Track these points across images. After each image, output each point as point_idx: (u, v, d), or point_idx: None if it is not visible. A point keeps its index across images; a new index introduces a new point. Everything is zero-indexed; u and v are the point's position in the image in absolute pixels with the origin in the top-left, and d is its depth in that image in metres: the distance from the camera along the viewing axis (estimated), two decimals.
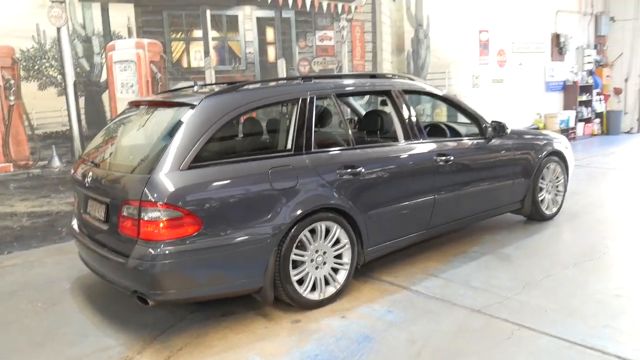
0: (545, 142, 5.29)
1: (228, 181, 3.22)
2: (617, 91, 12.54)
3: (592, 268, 4.11)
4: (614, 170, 8.08)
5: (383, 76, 4.49)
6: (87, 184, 3.56)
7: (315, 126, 3.70)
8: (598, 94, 12.23)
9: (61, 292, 4.14)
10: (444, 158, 4.28)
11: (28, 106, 5.35)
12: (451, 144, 4.49)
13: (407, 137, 4.18)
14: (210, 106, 3.33)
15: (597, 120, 12.32)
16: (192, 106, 3.30)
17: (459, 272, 4.14)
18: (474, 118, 4.79)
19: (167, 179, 3.03)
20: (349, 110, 5.60)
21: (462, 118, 5.36)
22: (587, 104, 11.92)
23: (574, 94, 11.57)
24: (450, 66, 9.26)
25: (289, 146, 3.57)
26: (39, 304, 3.94)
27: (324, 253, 3.63)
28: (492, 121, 4.83)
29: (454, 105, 4.76)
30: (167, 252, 3.01)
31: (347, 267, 3.74)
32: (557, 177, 5.48)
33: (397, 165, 4.03)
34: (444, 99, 4.73)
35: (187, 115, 3.25)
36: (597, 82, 12.19)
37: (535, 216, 5.33)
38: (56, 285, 4.29)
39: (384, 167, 3.94)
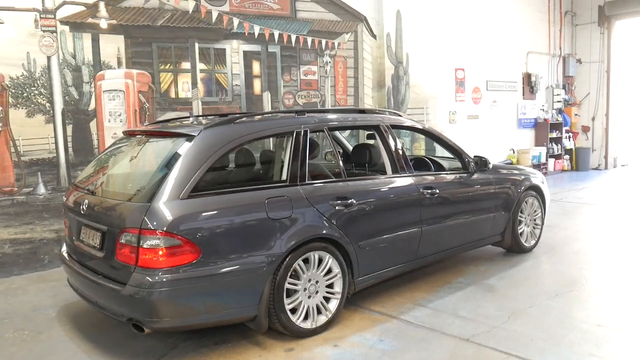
0: (523, 177, 5.51)
1: (226, 210, 3.29)
2: (585, 129, 13.09)
3: (574, 298, 4.27)
4: (586, 204, 8.39)
5: (372, 111, 4.66)
6: (81, 211, 3.58)
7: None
8: (567, 131, 12.75)
9: (48, 320, 4.08)
10: (430, 191, 4.43)
11: (15, 133, 5.34)
12: (436, 177, 4.66)
13: (395, 170, 4.33)
14: (209, 137, 3.42)
15: (567, 156, 12.79)
16: (191, 137, 3.39)
17: (446, 302, 4.24)
18: (458, 153, 4.98)
19: (167, 207, 3.09)
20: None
21: (441, 152, 5.58)
22: (557, 140, 12.39)
23: (545, 130, 12.03)
24: (429, 102, 9.57)
25: (284, 177, 3.67)
26: (26, 332, 3.88)
27: (317, 282, 3.69)
28: (475, 156, 5.03)
29: (438, 140, 4.95)
30: (165, 279, 3.04)
31: (339, 296, 3.81)
32: (535, 211, 5.70)
33: (386, 197, 4.16)
34: (429, 135, 4.92)
35: (186, 146, 3.33)
36: (566, 120, 12.71)
37: (515, 248, 5.51)
38: (42, 313, 4.23)
39: (374, 199, 4.07)
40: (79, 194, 3.78)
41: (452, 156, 5.17)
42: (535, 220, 5.71)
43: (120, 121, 5.98)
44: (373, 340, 3.59)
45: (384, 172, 4.37)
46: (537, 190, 5.67)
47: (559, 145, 12.43)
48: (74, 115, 5.66)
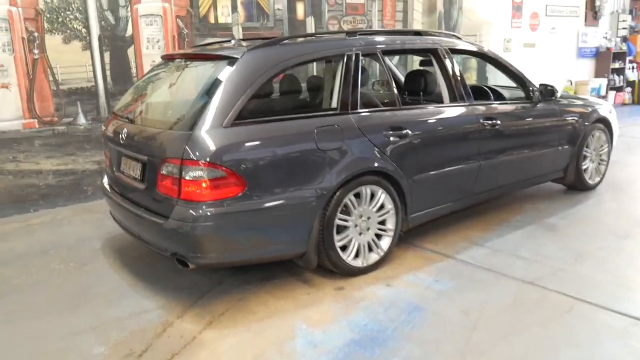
0: (591, 108, 5.02)
1: (273, 140, 3.04)
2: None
3: None
4: None
5: (427, 33, 4.22)
6: (120, 141, 3.39)
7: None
8: (630, 61, 11.78)
9: (93, 252, 4.03)
10: (490, 122, 4.05)
11: (52, 60, 5.15)
12: (498, 107, 4.26)
13: (453, 99, 3.96)
14: (253, 60, 3.11)
15: (629, 89, 11.89)
16: (234, 59, 3.09)
17: (505, 242, 3.96)
18: (521, 81, 4.53)
19: (210, 136, 2.85)
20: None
21: (499, 82, 5.13)
22: (620, 71, 11.49)
23: (607, 61, 11.14)
24: (482, 28, 8.89)
25: (334, 105, 3.36)
26: (71, 263, 3.83)
27: (368, 218, 3.46)
28: (540, 84, 4.57)
29: (501, 67, 4.49)
30: (209, 213, 2.85)
31: (391, 233, 3.58)
32: (602, 146, 5.24)
33: (444, 128, 3.82)
34: (491, 60, 4.46)
35: (229, 69, 3.04)
36: (631, 49, 11.71)
37: (577, 185, 5.11)
38: (87, 245, 4.18)
39: (431, 130, 3.74)
40: (118, 123, 3.59)
41: (513, 85, 4.73)
42: (601, 155, 5.26)
43: (159, 48, 5.71)
44: (428, 280, 3.37)
45: (440, 101, 4.00)
46: (605, 122, 5.18)
47: (621, 76, 11.52)
48: (111, 42, 5.42)
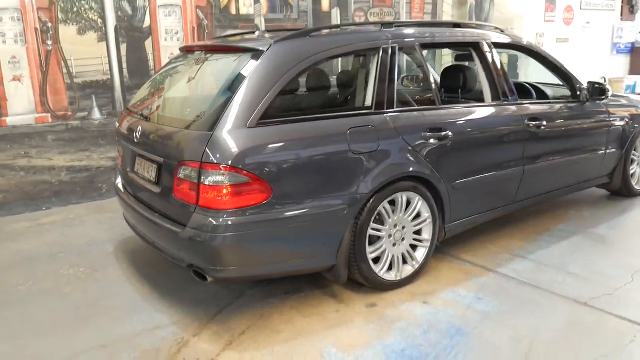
0: (638, 109, 4.64)
1: (302, 142, 2.73)
2: None
3: None
4: None
5: (468, 25, 3.87)
6: (135, 140, 3.12)
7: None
8: None
9: (104, 256, 3.78)
10: (535, 123, 3.71)
11: (66, 52, 4.91)
12: (543, 106, 3.91)
13: (496, 97, 3.62)
14: (280, 52, 2.81)
15: None
16: (259, 52, 2.79)
17: (550, 254, 3.62)
18: (568, 78, 4.17)
19: (232, 137, 2.56)
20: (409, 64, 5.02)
21: (536, 77, 4.77)
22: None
23: None
24: (514, 21, 8.47)
25: (367, 103, 3.04)
26: (81, 268, 3.58)
27: (403, 228, 3.15)
28: (589, 82, 4.20)
29: (546, 62, 4.13)
30: (230, 222, 2.56)
31: (427, 244, 3.26)
32: None
33: (486, 129, 3.49)
34: (537, 55, 4.10)
35: (253, 63, 2.75)
36: None
37: (623, 191, 4.74)
38: (98, 248, 3.93)
39: (473, 131, 3.41)
40: (132, 119, 3.32)
41: (554, 82, 4.38)
42: None
43: (177, 39, 5.44)
44: (469, 297, 3.05)
45: (480, 100, 3.66)
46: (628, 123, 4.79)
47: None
48: (128, 33, 5.16)
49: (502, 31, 3.92)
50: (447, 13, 7.63)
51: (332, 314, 2.92)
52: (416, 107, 3.23)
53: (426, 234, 3.26)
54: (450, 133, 3.23)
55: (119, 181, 3.65)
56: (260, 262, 2.74)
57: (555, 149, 3.94)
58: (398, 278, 3.15)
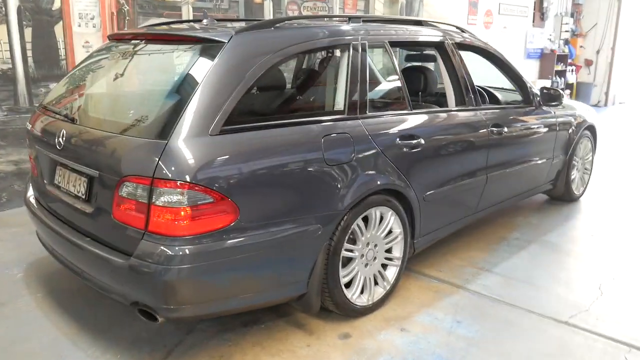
0: (581, 114, 4.69)
1: (273, 152, 2.32)
2: (588, 63, 12.32)
3: None
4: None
5: (428, 24, 3.62)
6: (56, 146, 2.53)
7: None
8: (570, 64, 11.95)
9: (12, 284, 3.12)
10: (497, 129, 3.56)
11: None
12: (503, 112, 3.76)
13: (462, 102, 3.41)
14: (244, 45, 2.37)
15: (567, 91, 12.06)
16: (219, 44, 2.33)
17: (514, 266, 3.48)
18: (523, 83, 4.08)
19: (192, 147, 2.09)
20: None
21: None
22: (561, 74, 11.61)
23: (551, 62, 11.21)
24: None
25: (339, 106, 2.69)
26: None
27: (375, 246, 2.84)
28: (542, 88, 4.14)
29: (505, 67, 4.00)
30: (188, 251, 2.10)
31: (398, 262, 2.98)
32: (587, 154, 4.94)
33: (457, 136, 3.27)
34: (496, 59, 3.95)
35: (213, 57, 2.28)
36: (572, 52, 11.89)
37: (565, 197, 4.78)
38: (4, 273, 3.25)
39: (444, 138, 3.17)
40: (50, 119, 2.72)
41: (503, 87, 4.30)
42: (585, 164, 4.96)
43: (93, 26, 4.74)
44: (447, 321, 2.80)
45: (441, 104, 3.44)
46: (592, 130, 4.88)
47: (562, 79, 11.65)
48: (34, 16, 4.40)
49: (462, 31, 3.72)
50: (379, 11, 7.45)
51: (304, 349, 2.53)
52: (390, 112, 2.92)
53: (397, 252, 2.97)
54: (422, 141, 2.96)
55: (30, 194, 3.01)
56: (223, 297, 2.30)
57: (513, 156, 3.82)
58: (370, 302, 2.84)
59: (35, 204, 2.91)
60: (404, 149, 2.86)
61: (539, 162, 4.15)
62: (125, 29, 4.89)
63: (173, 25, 3.02)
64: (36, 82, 4.48)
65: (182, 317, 2.28)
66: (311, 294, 2.55)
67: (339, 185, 2.51)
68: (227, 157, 2.18)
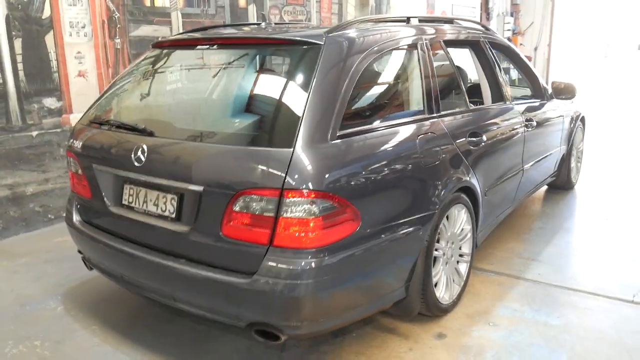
0: (575, 106, 4.94)
1: (382, 155, 2.27)
2: (528, 59, 12.98)
3: None
4: None
5: (459, 23, 3.66)
6: (134, 162, 2.31)
7: None
8: None
9: (56, 319, 2.83)
10: (529, 123, 3.68)
11: None
12: (529, 106, 3.89)
13: (499, 98, 3.49)
14: (340, 47, 2.29)
15: None
16: (316, 46, 2.24)
17: (553, 253, 3.61)
18: (535, 78, 4.25)
19: (318, 154, 2.00)
20: None
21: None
22: (506, 70, 12.17)
23: None
24: None
25: (419, 106, 2.67)
26: (36, 342, 2.62)
27: (452, 244, 2.84)
28: (554, 82, 4.32)
29: (521, 63, 4.15)
30: (318, 264, 2.00)
31: (468, 258, 3.00)
32: (579, 143, 5.22)
33: (506, 131, 3.34)
34: (515, 56, 4.09)
35: (315, 60, 2.19)
36: None
37: (566, 185, 5.01)
38: (39, 308, 2.95)
39: (499, 134, 3.24)
40: (113, 134, 2.50)
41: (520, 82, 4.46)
42: (578, 154, 5.24)
43: (85, 35, 4.42)
44: (527, 312, 2.85)
45: (478, 102, 3.51)
46: (583, 121, 5.16)
47: (507, 75, 12.22)
48: (24, 26, 4.03)
49: (487, 29, 3.81)
50: (351, 14, 7.50)
51: (409, 354, 2.48)
52: (459, 110, 2.94)
53: (466, 248, 2.99)
54: (484, 138, 3.00)
55: (77, 219, 2.75)
56: (344, 309, 2.21)
57: (539, 148, 3.97)
58: (451, 300, 2.83)
59: (87, 230, 2.65)
60: (471, 147, 2.89)
61: (553, 152, 4.33)
62: (117, 37, 4.61)
63: (227, 29, 2.85)
64: (28, 97, 4.11)
65: (306, 334, 2.16)
66: (412, 297, 2.50)
67: (433, 185, 2.49)
68: (346, 162, 2.10)
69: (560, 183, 4.95)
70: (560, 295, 3.04)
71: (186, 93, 2.56)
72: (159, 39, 4.90)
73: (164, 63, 2.69)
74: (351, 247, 2.09)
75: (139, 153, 2.29)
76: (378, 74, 2.60)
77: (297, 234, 1.97)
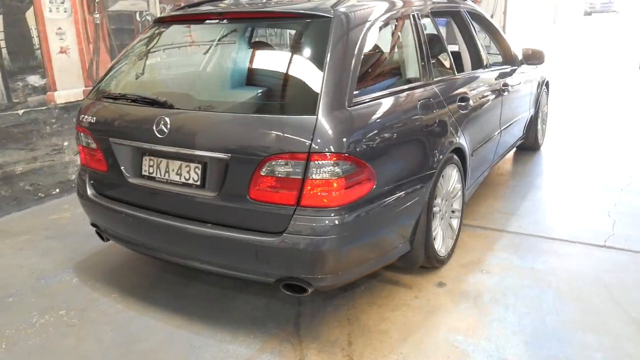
0: (539, 71, 5.25)
1: (391, 119, 2.47)
2: None
3: None
4: None
5: None
6: (157, 133, 2.40)
7: None
8: None
9: (75, 290, 2.94)
10: (505, 87, 3.95)
11: None
12: (504, 71, 4.15)
13: (478, 65, 3.73)
14: (347, 18, 2.44)
15: None
16: (326, 18, 2.39)
17: (529, 207, 3.94)
18: (507, 45, 4.50)
19: (338, 120, 2.17)
20: None
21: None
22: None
23: None
24: None
25: (416, 74, 2.87)
26: (61, 311, 2.73)
27: (445, 201, 3.09)
28: (525, 48, 4.59)
29: (493, 31, 4.38)
30: (341, 221, 2.19)
31: (459, 213, 3.26)
32: (544, 107, 5.56)
33: (486, 96, 3.60)
34: (490, 26, 4.33)
35: (327, 31, 2.34)
36: None
37: (534, 146, 5.37)
38: (56, 280, 3.05)
39: (481, 100, 3.49)
40: (129, 108, 2.59)
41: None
42: (543, 116, 5.58)
43: (65, 10, 4.37)
44: (514, 259, 3.15)
45: (459, 67, 3.72)
46: (547, 85, 5.50)
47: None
48: (4, 2, 3.96)
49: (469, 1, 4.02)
50: None
51: (415, 301, 2.74)
52: (449, 77, 3.16)
53: (457, 205, 3.24)
54: (471, 102, 3.24)
55: (92, 192, 2.84)
56: (362, 261, 2.43)
57: (513, 111, 4.25)
58: (446, 253, 3.10)
59: (104, 202, 2.75)
60: (461, 111, 3.12)
61: (523, 115, 4.64)
62: (96, 12, 4.58)
63: (221, 3, 2.94)
64: (13, 75, 4.07)
65: (331, 285, 2.36)
66: (417, 250, 2.74)
67: (434, 146, 2.72)
68: (362, 127, 2.28)
69: (529, 144, 5.29)
70: (541, 244, 3.35)
71: (199, 66, 2.66)
72: (138, 13, 4.92)
73: (172, 38, 2.78)
74: (368, 204, 2.30)
75: (161, 125, 2.40)
76: (379, 44, 2.76)
77: (322, 194, 2.16)
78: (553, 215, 3.80)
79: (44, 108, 4.30)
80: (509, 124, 4.16)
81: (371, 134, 2.31)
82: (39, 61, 4.23)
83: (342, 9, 2.48)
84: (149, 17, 5.08)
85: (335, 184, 2.16)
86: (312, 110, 2.14)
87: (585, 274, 2.96)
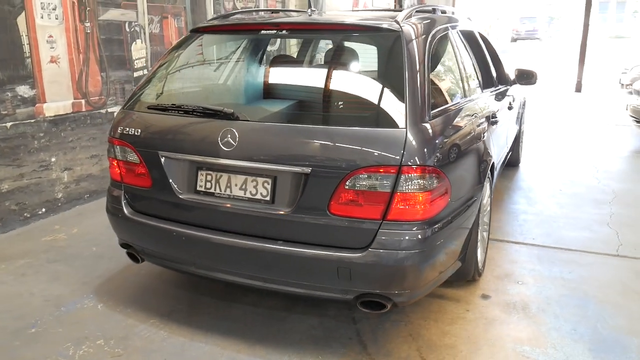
0: (522, 90, 5.52)
1: (461, 131, 2.52)
2: None
3: None
4: None
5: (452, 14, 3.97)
6: (223, 147, 2.27)
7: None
8: None
9: (102, 317, 2.72)
10: (511, 105, 4.13)
11: None
12: (505, 90, 4.32)
13: (490, 84, 3.86)
14: (414, 32, 2.46)
15: None
16: (394, 32, 2.40)
17: (535, 221, 4.10)
18: (501, 64, 4.68)
19: (426, 133, 2.17)
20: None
21: None
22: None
23: None
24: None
25: (475, 85, 2.98)
26: (98, 341, 2.50)
27: (482, 214, 3.14)
28: (518, 69, 4.80)
29: (492, 51, 4.55)
30: (425, 234, 2.18)
31: (487, 227, 3.33)
32: (523, 124, 5.84)
33: (504, 113, 3.74)
34: (489, 45, 4.48)
35: (400, 45, 2.34)
36: None
37: (515, 162, 5.60)
38: (77, 308, 2.80)
39: (502, 115, 3.60)
40: (184, 120, 2.45)
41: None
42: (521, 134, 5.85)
43: (56, 17, 4.10)
44: (543, 270, 3.25)
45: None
46: (524, 103, 5.77)
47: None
48: None
49: (469, 20, 4.16)
50: (293, 3, 7.59)
51: (468, 314, 2.75)
52: (480, 93, 3.24)
53: (486, 218, 3.32)
54: (498, 119, 3.35)
55: (128, 210, 2.64)
56: (435, 277, 2.40)
57: (510, 127, 4.42)
58: (482, 265, 3.15)
59: (145, 219, 2.57)
60: (492, 125, 3.21)
61: (515, 131, 4.85)
62: (87, 21, 4.34)
63: (291, 15, 2.88)
64: (2, 85, 3.75)
65: (406, 302, 2.32)
66: (470, 263, 2.77)
67: (484, 160, 2.78)
68: (442, 139, 2.29)
69: (512, 160, 5.51)
70: (559, 254, 3.49)
71: (260, 77, 2.57)
72: (127, 23, 4.71)
73: (218, 48, 2.67)
74: (443, 218, 2.30)
75: (228, 137, 2.29)
76: (439, 57, 2.81)
77: (408, 208, 2.13)
78: (559, 228, 3.96)
79: (32, 121, 3.98)
80: (509, 139, 4.33)
81: (448, 146, 2.33)
82: (29, 70, 3.93)
83: (409, 22, 2.49)
84: (137, 28, 4.87)
85: (421, 197, 2.14)
86: (399, 124, 2.13)
87: (612, 282, 3.10)
